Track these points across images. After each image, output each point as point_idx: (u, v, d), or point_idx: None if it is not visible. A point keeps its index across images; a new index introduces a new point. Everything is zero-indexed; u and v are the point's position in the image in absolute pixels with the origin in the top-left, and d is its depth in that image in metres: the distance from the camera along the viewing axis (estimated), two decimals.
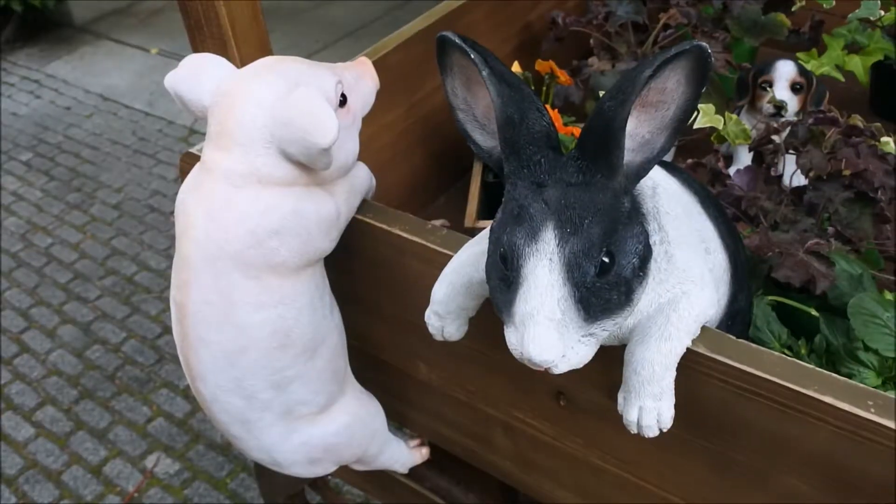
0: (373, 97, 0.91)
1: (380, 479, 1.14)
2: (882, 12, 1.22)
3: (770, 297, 0.90)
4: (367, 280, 0.95)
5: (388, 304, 0.96)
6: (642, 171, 0.63)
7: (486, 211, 1.16)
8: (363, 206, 0.91)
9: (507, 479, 1.02)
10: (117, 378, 2.15)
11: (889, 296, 0.91)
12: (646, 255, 0.64)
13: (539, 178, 0.62)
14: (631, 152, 0.62)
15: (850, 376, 0.83)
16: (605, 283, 0.61)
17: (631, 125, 0.61)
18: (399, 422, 1.12)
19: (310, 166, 0.81)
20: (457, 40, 0.63)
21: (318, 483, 1.37)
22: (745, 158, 1.23)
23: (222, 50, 0.93)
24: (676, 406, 0.70)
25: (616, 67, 1.24)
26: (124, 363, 2.19)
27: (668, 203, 0.71)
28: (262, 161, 0.80)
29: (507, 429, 0.95)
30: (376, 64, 1.18)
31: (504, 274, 0.62)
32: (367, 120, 1.19)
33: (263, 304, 0.83)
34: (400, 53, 1.21)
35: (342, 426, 0.97)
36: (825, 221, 0.97)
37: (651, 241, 0.67)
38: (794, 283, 0.86)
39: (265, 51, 0.97)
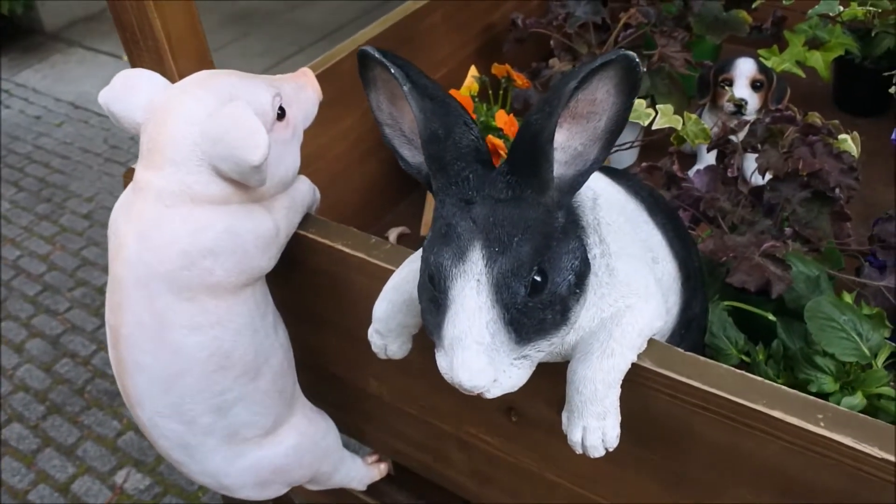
0: (315, 109, 0.88)
1: (338, 497, 1.11)
2: (841, 8, 1.20)
3: (726, 303, 0.87)
4: (314, 295, 0.93)
5: (336, 319, 0.93)
6: (576, 184, 0.60)
7: None
8: (306, 220, 0.88)
9: (465, 494, 0.99)
10: (86, 392, 2.11)
11: (847, 297, 0.89)
12: (583, 271, 0.61)
13: (467, 194, 0.59)
14: (563, 165, 0.60)
15: (807, 382, 0.81)
16: (537, 303, 0.58)
17: (562, 137, 0.59)
18: (355, 437, 1.09)
19: (244, 183, 0.78)
20: (377, 55, 0.61)
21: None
22: (708, 158, 1.21)
23: (159, 63, 0.89)
24: (626, 421, 0.68)
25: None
26: (94, 376, 2.15)
27: (610, 214, 0.68)
28: (194, 179, 0.77)
29: (461, 444, 0.93)
30: (329, 72, 1.16)
31: (433, 295, 0.60)
32: (321, 129, 1.16)
33: (200, 325, 0.81)
34: (354, 60, 1.18)
35: (291, 447, 0.94)
36: (784, 222, 0.95)
37: (591, 255, 0.64)
38: (749, 287, 0.84)
39: (205, 63, 0.94)
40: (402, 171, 1.29)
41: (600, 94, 0.56)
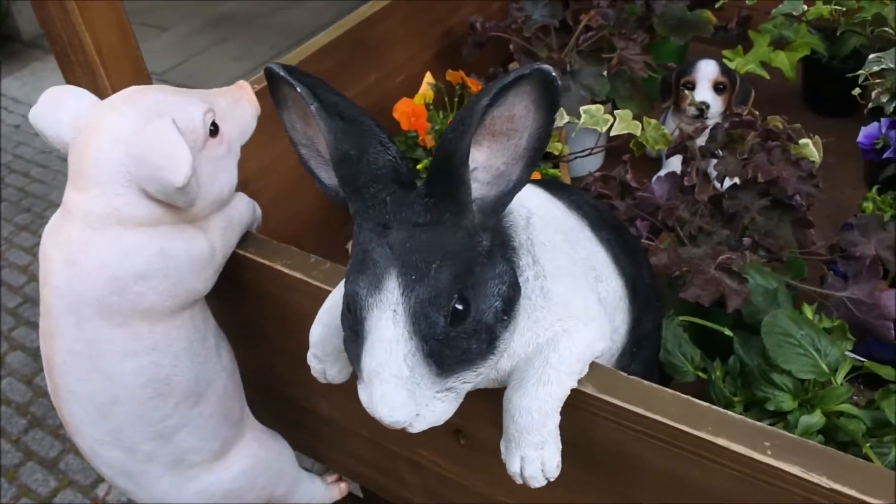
0: (252, 123, 0.86)
1: None
2: (805, 7, 1.17)
3: (682, 318, 0.84)
4: (260, 316, 0.90)
5: (282, 339, 0.90)
6: (499, 205, 0.57)
7: None
8: (245, 239, 0.85)
9: None
10: None
11: (808, 310, 0.86)
12: (512, 297, 0.58)
13: (384, 218, 0.57)
14: (485, 185, 0.57)
15: (765, 399, 0.79)
16: (460, 333, 0.55)
17: (482, 156, 0.56)
18: (312, 457, 1.06)
19: (171, 204, 0.75)
20: (282, 73, 0.58)
21: None
22: (674, 163, 1.18)
23: (91, 79, 0.86)
24: (572, 447, 0.65)
25: None
26: None
27: (545, 233, 0.65)
28: (122, 201, 0.74)
29: (414, 466, 0.90)
30: None
31: (353, 324, 0.57)
32: (272, 141, 1.13)
33: (134, 352, 0.78)
34: (305, 67, 1.14)
35: (241, 471, 0.91)
36: (745, 230, 0.92)
37: (523, 278, 0.61)
38: (703, 302, 0.81)
39: (141, 77, 0.91)
40: None
41: (518, 111, 0.53)
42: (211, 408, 0.86)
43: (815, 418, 0.76)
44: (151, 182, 0.72)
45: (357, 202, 0.58)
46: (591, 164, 1.24)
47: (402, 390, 0.54)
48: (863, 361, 0.86)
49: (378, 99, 1.24)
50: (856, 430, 0.75)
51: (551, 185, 0.76)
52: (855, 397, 0.88)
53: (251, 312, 0.89)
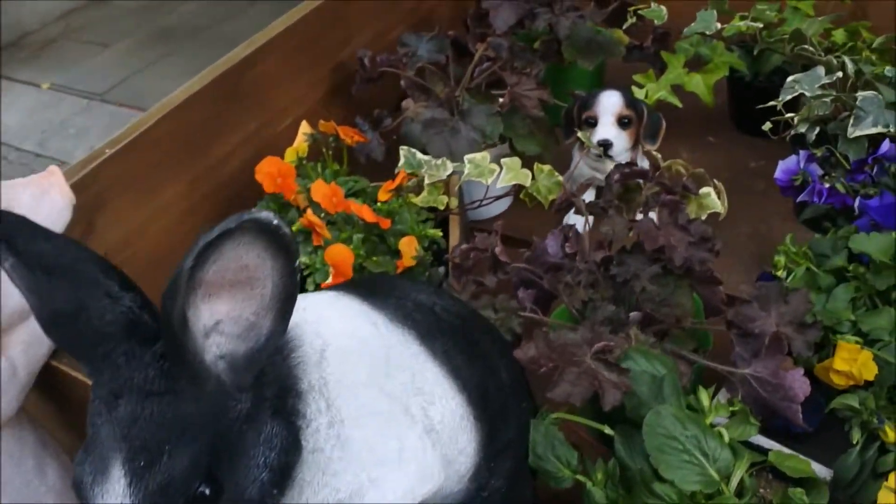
0: (65, 214, 0.76)
1: None
2: (719, 25, 1.06)
3: (554, 415, 0.74)
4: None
5: None
6: (253, 361, 0.47)
7: None
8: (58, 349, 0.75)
9: None
10: None
11: (704, 395, 0.75)
12: (287, 462, 0.49)
13: (115, 385, 0.47)
14: (235, 339, 0.47)
15: None
16: None
17: (225, 307, 0.46)
18: None
19: None
20: None
21: None
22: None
23: None
24: None
25: (427, 111, 1.07)
26: None
27: (344, 367, 0.55)
28: None
29: None
30: (141, 139, 1.02)
31: None
32: (134, 207, 1.03)
33: None
34: (171, 122, 1.05)
35: None
36: (636, 301, 0.82)
37: (312, 428, 0.52)
38: (574, 401, 0.71)
39: None
40: None
41: (250, 260, 0.44)
42: None
43: None
44: None
45: (86, 366, 0.48)
46: (498, 209, 1.13)
47: None
48: (767, 452, 0.76)
49: (261, 148, 1.13)
50: None
51: (374, 290, 0.65)
52: (763, 490, 0.78)
53: (77, 429, 0.79)
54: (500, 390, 0.68)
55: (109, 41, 3.45)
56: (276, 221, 0.41)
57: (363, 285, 0.67)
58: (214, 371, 0.46)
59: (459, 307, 0.70)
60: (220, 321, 0.46)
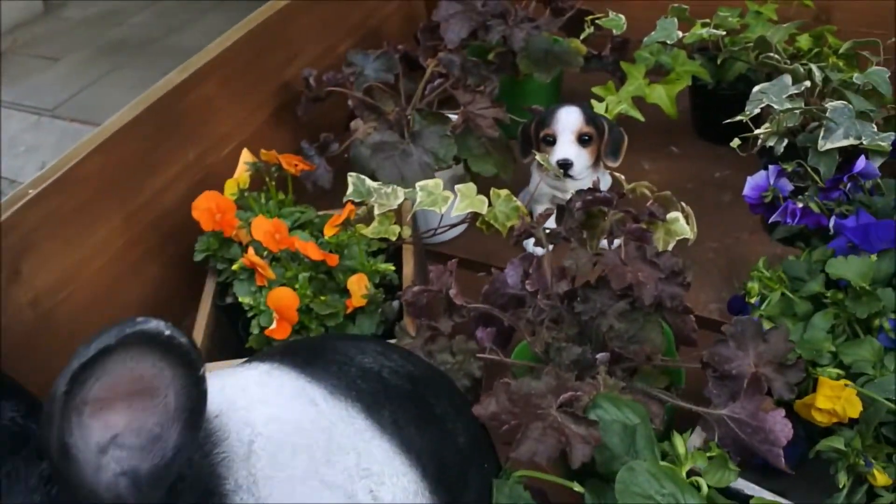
0: None
1: None
2: (681, 33, 1.01)
3: (518, 473, 0.69)
4: None
5: None
6: (160, 478, 0.41)
7: (220, 342, 0.93)
8: None
9: None
10: None
11: (679, 442, 0.70)
12: None
13: None
14: (138, 453, 0.41)
15: None
16: None
17: (123, 419, 0.40)
18: None
19: None
20: None
21: None
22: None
23: None
24: None
25: (377, 134, 1.01)
26: None
27: (276, 461, 0.49)
28: None
29: None
30: (68, 176, 0.95)
31: None
32: (63, 251, 0.96)
33: None
34: (99, 157, 0.98)
35: None
36: (600, 336, 0.76)
37: None
38: (540, 460, 0.65)
39: None
40: (192, 274, 1.09)
41: (145, 370, 0.38)
42: None
43: None
44: None
45: None
46: (458, 228, 1.07)
47: None
48: (747, 498, 0.71)
49: (201, 178, 1.06)
50: None
51: (313, 357, 0.59)
52: None
53: None
54: (458, 454, 0.62)
55: (59, 55, 3.34)
56: (167, 332, 0.36)
57: (300, 352, 0.60)
58: (115, 490, 0.40)
59: (410, 366, 0.64)
60: (117, 434, 0.40)
